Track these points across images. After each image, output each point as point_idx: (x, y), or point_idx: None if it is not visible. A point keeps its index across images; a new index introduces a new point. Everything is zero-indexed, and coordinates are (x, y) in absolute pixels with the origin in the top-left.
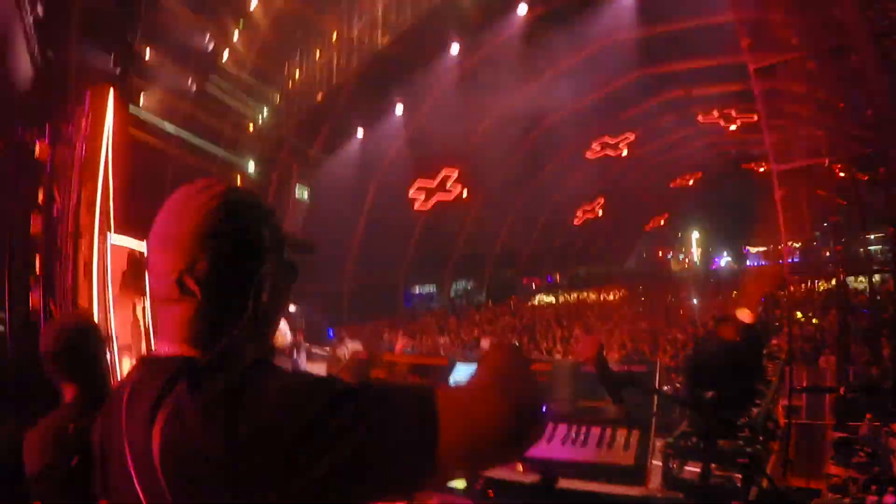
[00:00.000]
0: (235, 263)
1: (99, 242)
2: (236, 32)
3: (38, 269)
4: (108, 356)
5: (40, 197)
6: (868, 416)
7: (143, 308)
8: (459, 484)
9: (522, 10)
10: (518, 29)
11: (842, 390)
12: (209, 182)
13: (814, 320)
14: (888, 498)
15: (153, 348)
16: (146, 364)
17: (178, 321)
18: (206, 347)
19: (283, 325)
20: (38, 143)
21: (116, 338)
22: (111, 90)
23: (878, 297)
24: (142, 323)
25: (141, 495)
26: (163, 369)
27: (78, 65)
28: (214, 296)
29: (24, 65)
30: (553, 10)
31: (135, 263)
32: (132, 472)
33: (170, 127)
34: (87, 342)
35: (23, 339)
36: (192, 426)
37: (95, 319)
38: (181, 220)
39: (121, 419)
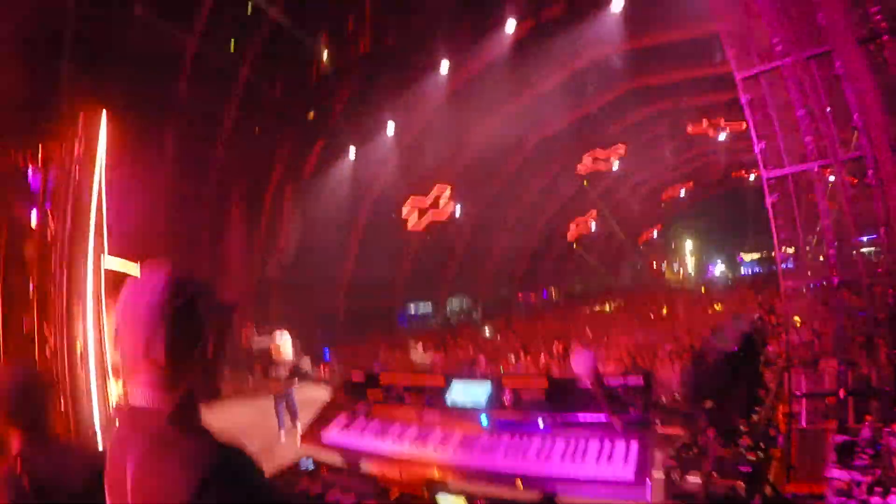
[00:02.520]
0: (186, 332)
1: (93, 266)
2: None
3: (31, 293)
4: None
5: (34, 220)
6: (868, 417)
7: None
8: (459, 502)
9: (511, 26)
10: (506, 46)
11: (841, 394)
12: (154, 266)
13: (812, 326)
14: (892, 499)
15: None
16: (127, 415)
17: (146, 381)
18: (170, 398)
19: (286, 341)
20: (31, 166)
21: (111, 360)
22: (104, 112)
23: (873, 299)
24: None
25: None
26: (140, 420)
27: (71, 88)
28: (172, 360)
29: (17, 88)
30: (540, 26)
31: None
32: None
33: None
34: (33, 395)
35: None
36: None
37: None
38: (138, 302)
39: (108, 467)
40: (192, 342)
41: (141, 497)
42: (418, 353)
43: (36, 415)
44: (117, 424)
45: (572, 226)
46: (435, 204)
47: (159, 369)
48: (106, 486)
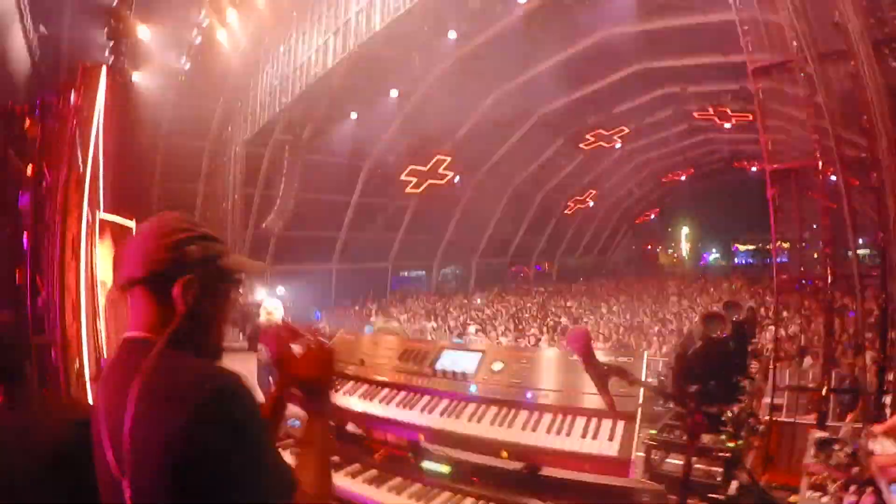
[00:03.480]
0: (167, 273)
1: (87, 219)
2: (231, 11)
3: (25, 244)
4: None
5: (29, 172)
6: (849, 416)
7: None
8: (444, 469)
9: None
10: (516, 17)
11: (824, 390)
12: (161, 217)
13: (799, 320)
14: (867, 498)
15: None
16: (122, 343)
17: (139, 314)
18: (157, 331)
19: (276, 304)
20: (28, 117)
21: (106, 312)
22: (104, 67)
23: (864, 301)
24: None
25: (112, 461)
26: (134, 348)
27: (71, 41)
28: (159, 296)
29: (16, 41)
30: (553, 1)
31: (122, 239)
32: (106, 440)
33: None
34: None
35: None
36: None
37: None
38: (134, 247)
39: (102, 393)
40: (171, 283)
41: (140, 424)
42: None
43: (15, 368)
44: (111, 358)
45: (571, 202)
46: (434, 171)
47: (150, 303)
48: (100, 421)
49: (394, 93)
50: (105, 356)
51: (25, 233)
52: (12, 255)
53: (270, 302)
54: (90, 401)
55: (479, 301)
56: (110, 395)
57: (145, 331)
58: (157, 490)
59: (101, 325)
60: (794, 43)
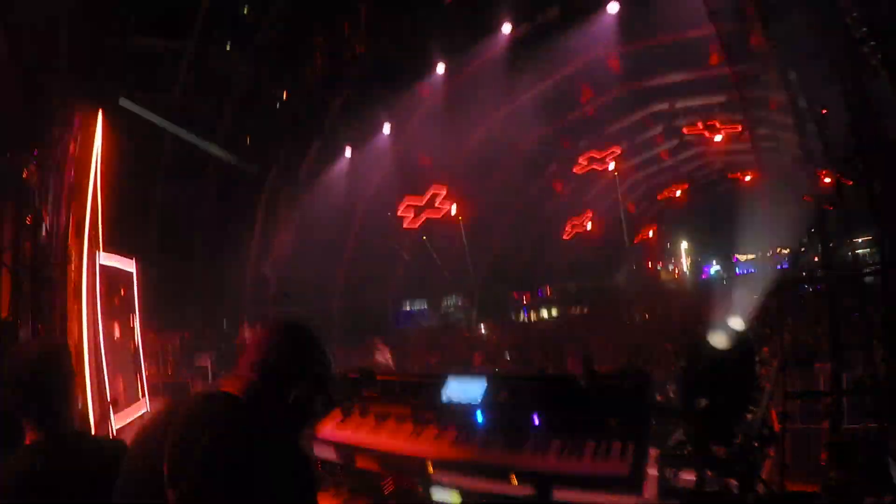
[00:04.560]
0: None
1: (87, 264)
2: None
3: (27, 294)
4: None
5: (28, 220)
6: (864, 419)
7: (133, 327)
8: (454, 498)
9: (507, 28)
10: (502, 47)
11: (836, 394)
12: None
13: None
14: (886, 499)
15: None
16: (204, 397)
17: (242, 380)
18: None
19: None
20: (25, 166)
21: (106, 356)
22: (100, 113)
23: (868, 301)
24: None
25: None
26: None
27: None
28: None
29: (11, 88)
30: (536, 28)
31: (123, 282)
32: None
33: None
34: (50, 378)
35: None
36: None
37: (65, 345)
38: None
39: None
40: (284, 376)
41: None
42: (382, 354)
43: (50, 404)
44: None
45: (568, 226)
46: (431, 204)
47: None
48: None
49: (386, 128)
50: (109, 398)
51: (25, 282)
52: (13, 304)
53: None
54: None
55: (483, 330)
56: (189, 423)
57: (238, 391)
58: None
59: (105, 369)
60: (775, 48)
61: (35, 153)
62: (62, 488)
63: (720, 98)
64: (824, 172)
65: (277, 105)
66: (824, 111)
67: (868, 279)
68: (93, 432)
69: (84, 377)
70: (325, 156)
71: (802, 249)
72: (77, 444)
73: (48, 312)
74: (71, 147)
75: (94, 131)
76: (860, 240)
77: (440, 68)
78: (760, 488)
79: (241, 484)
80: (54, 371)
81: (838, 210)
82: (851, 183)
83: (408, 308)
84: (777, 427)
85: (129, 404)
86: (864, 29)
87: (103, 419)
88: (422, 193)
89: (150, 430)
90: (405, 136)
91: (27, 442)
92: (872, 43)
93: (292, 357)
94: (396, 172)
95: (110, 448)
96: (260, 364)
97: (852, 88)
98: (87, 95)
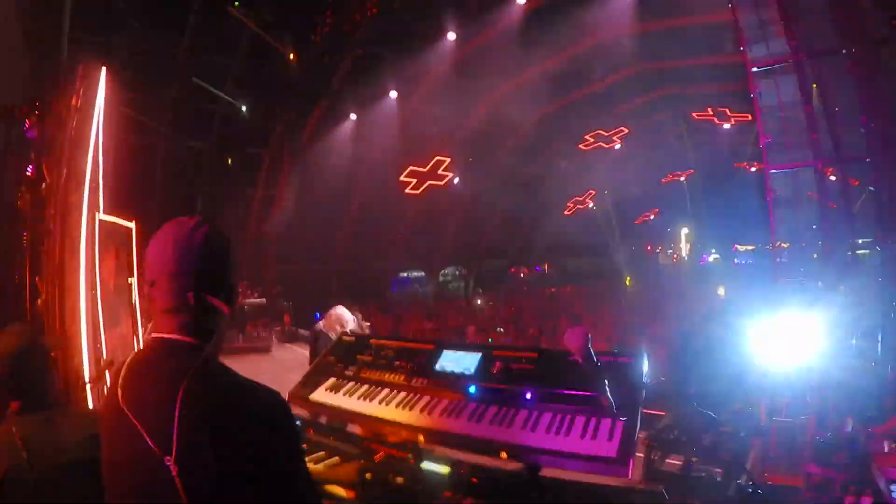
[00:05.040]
0: (221, 282)
1: (87, 220)
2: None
3: (24, 245)
4: (54, 371)
5: (29, 172)
6: (849, 418)
7: (131, 285)
8: (443, 469)
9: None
10: (516, 18)
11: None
12: (189, 220)
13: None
14: (865, 499)
15: (155, 331)
16: (158, 343)
17: (180, 319)
18: (203, 339)
19: (344, 312)
20: (27, 118)
21: (102, 313)
22: (103, 68)
23: (864, 301)
24: (132, 299)
25: (151, 443)
26: (176, 350)
27: (70, 41)
28: (207, 304)
29: (15, 41)
30: (552, 1)
31: (122, 240)
32: (143, 427)
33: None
34: (29, 365)
35: (7, 314)
36: (204, 400)
37: (60, 297)
38: (177, 251)
39: (138, 383)
40: (220, 289)
41: (189, 426)
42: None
43: (33, 382)
44: (138, 353)
45: (570, 203)
46: (434, 172)
47: (191, 309)
48: (128, 409)
49: (393, 94)
50: (104, 357)
51: (25, 234)
52: (11, 256)
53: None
54: (90, 402)
55: (479, 302)
56: (151, 386)
57: (177, 333)
58: (205, 467)
59: (101, 326)
60: (793, 42)
61: (38, 105)
62: (37, 454)
63: (732, 86)
64: (831, 171)
65: (285, 63)
66: (838, 109)
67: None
68: (88, 390)
69: (80, 335)
70: (330, 118)
71: (804, 245)
72: (54, 414)
73: (46, 266)
74: (73, 100)
75: (97, 85)
76: (861, 240)
77: (451, 36)
78: (744, 478)
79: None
80: (37, 353)
81: (842, 209)
82: (857, 183)
83: (405, 275)
84: (764, 419)
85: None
86: (886, 29)
87: (99, 377)
88: (425, 161)
89: (110, 399)
90: (411, 103)
91: (10, 419)
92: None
93: (216, 269)
94: (401, 139)
95: (89, 422)
96: (186, 288)
97: (871, 88)
98: (91, 48)
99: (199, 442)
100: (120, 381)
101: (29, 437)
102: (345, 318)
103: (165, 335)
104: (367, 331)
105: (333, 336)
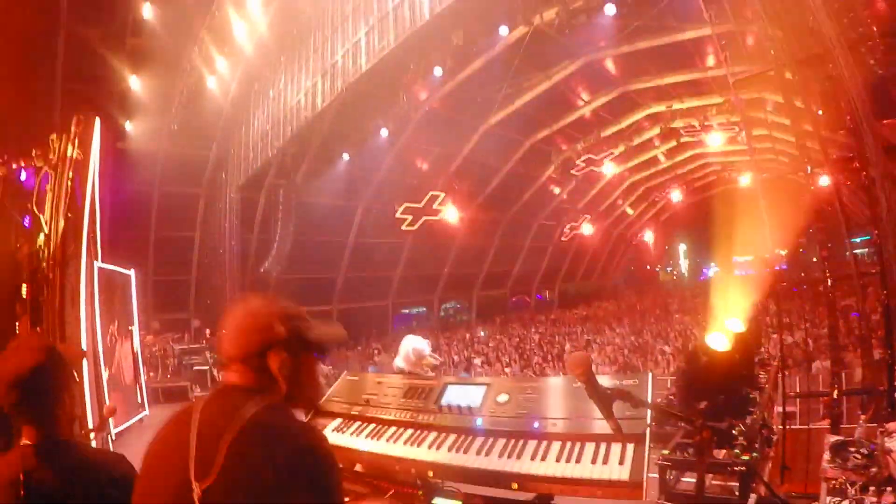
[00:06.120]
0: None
1: (86, 269)
2: (221, 59)
3: (25, 296)
4: (77, 389)
5: (27, 224)
6: (862, 417)
7: (131, 332)
8: (454, 503)
9: (504, 31)
10: (499, 50)
11: (835, 394)
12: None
13: (804, 326)
14: (886, 498)
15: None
16: (221, 391)
17: (236, 373)
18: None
19: (426, 347)
20: (24, 170)
21: (104, 361)
22: (97, 119)
23: (866, 301)
24: (134, 346)
25: (193, 464)
26: (235, 391)
27: (64, 94)
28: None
29: (11, 94)
30: (533, 31)
31: (121, 288)
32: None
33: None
34: (48, 380)
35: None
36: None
37: (61, 349)
38: (247, 325)
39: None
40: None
41: (240, 444)
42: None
43: (49, 407)
44: (206, 397)
45: (566, 229)
46: (429, 207)
47: (243, 367)
48: (189, 431)
49: (384, 132)
50: (108, 403)
51: (24, 284)
52: (11, 306)
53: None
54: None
55: (482, 333)
56: (212, 417)
57: (241, 382)
58: (235, 495)
59: (104, 376)
60: (772, 51)
61: (34, 158)
62: (48, 493)
63: (717, 99)
64: (821, 172)
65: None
66: (820, 112)
67: (865, 278)
68: (92, 437)
69: (82, 383)
70: (323, 159)
71: (801, 250)
72: (71, 450)
73: (46, 316)
74: (69, 152)
75: (91, 137)
76: (858, 239)
77: (437, 71)
78: (762, 490)
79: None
80: (51, 373)
81: (835, 210)
82: (849, 182)
83: (407, 311)
84: (777, 428)
85: (128, 409)
86: (861, 28)
87: (102, 425)
88: (420, 196)
89: (166, 434)
90: (403, 140)
91: (20, 444)
92: (869, 43)
93: (255, 334)
94: (394, 176)
95: (107, 460)
96: (235, 354)
97: (852, 88)
98: (84, 101)
99: (238, 474)
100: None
101: (33, 474)
102: (423, 350)
103: (230, 380)
104: (438, 360)
105: (420, 370)
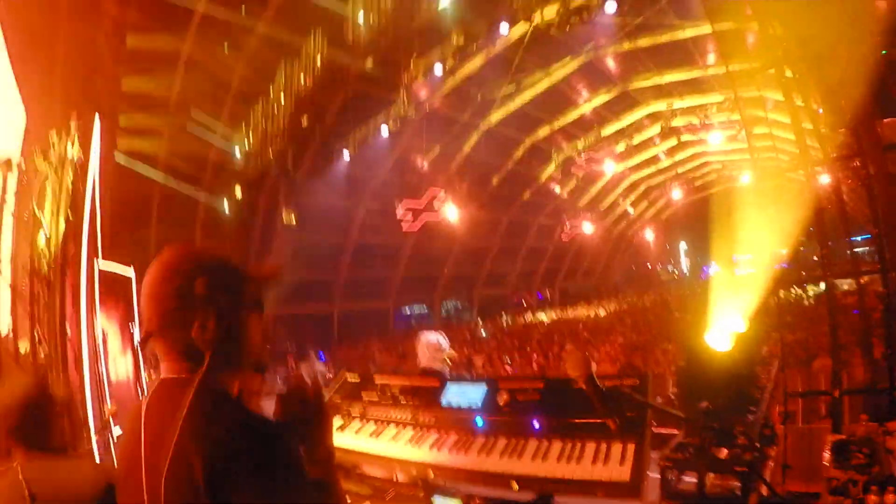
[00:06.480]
0: (176, 311)
1: (86, 269)
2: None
3: (27, 296)
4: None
5: (27, 224)
6: (864, 416)
7: (132, 334)
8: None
9: (504, 29)
10: (500, 48)
11: (836, 393)
12: (161, 261)
13: (805, 325)
14: (889, 497)
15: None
16: (158, 387)
17: (169, 357)
18: (190, 370)
19: (443, 340)
20: (23, 169)
21: (105, 360)
22: (97, 116)
23: (867, 299)
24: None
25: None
26: (169, 391)
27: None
28: (181, 340)
29: (10, 92)
30: (534, 29)
31: (122, 289)
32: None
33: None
34: (37, 413)
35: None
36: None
37: (60, 346)
38: (146, 300)
39: (146, 431)
40: (183, 318)
41: (177, 461)
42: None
43: (39, 431)
44: (146, 398)
45: (567, 227)
46: (429, 206)
47: (174, 342)
48: (139, 457)
49: (384, 130)
50: (109, 407)
51: (28, 285)
52: (13, 309)
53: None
54: (96, 453)
55: (483, 333)
56: (153, 434)
57: (179, 372)
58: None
59: (104, 377)
60: (772, 49)
61: (34, 155)
62: (43, 498)
63: (718, 97)
64: (822, 171)
65: (275, 105)
66: (822, 111)
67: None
68: (94, 439)
69: (84, 385)
70: (323, 158)
71: (802, 249)
72: (61, 459)
73: (47, 317)
74: (69, 150)
75: (91, 134)
76: (859, 238)
77: (437, 69)
78: (763, 489)
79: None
80: (43, 401)
81: (836, 209)
82: (850, 181)
83: (408, 311)
84: (778, 427)
85: (128, 410)
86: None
87: (104, 427)
88: (420, 195)
89: (123, 447)
90: (403, 139)
91: (12, 460)
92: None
93: (172, 298)
94: (395, 175)
95: (94, 472)
96: (151, 329)
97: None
98: (84, 99)
99: (182, 494)
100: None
101: (35, 481)
102: (440, 344)
103: (164, 376)
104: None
105: (438, 365)
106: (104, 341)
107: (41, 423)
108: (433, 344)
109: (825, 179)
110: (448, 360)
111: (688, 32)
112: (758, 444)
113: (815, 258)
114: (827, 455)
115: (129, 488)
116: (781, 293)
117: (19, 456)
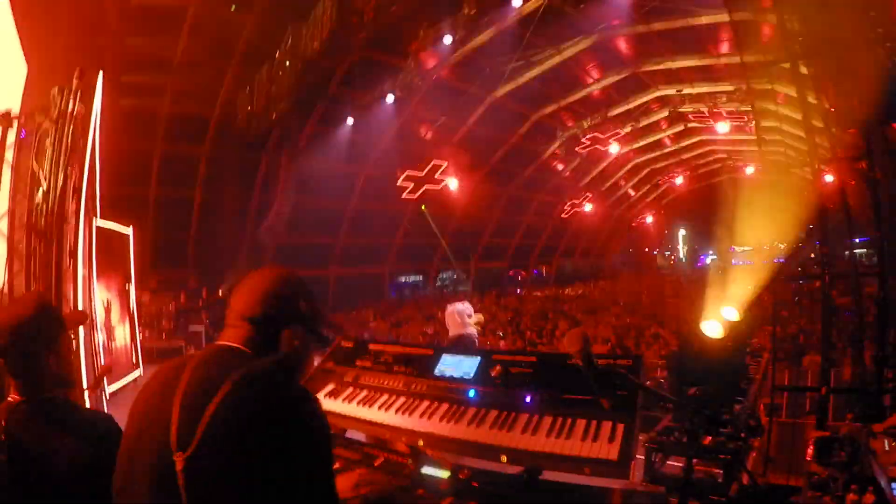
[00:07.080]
0: (281, 311)
1: (84, 226)
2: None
3: (23, 252)
4: (66, 349)
5: (26, 179)
6: (849, 416)
7: (128, 291)
8: (444, 473)
9: (517, 2)
10: (511, 21)
11: (823, 390)
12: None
13: (799, 322)
14: (868, 497)
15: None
16: (217, 348)
17: (240, 332)
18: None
19: (461, 305)
20: (23, 124)
21: (97, 318)
22: (100, 73)
23: (862, 300)
24: (130, 305)
25: (173, 436)
26: (228, 353)
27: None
28: (266, 333)
29: (13, 46)
30: (547, 5)
31: (119, 247)
32: (175, 415)
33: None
34: (34, 335)
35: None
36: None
37: (55, 303)
38: (272, 289)
39: (189, 376)
40: (285, 322)
41: (225, 409)
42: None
43: (32, 363)
44: (195, 355)
45: (567, 206)
46: (430, 176)
47: (259, 329)
48: (169, 401)
49: (390, 98)
50: (102, 362)
51: (24, 240)
52: (9, 262)
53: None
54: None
55: (477, 305)
56: (199, 380)
57: (241, 344)
58: (218, 464)
59: (99, 334)
60: (788, 43)
61: (35, 110)
62: (32, 451)
63: (728, 87)
64: (827, 169)
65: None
66: (832, 109)
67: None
68: (86, 397)
69: (77, 343)
70: (327, 122)
71: (801, 245)
72: (56, 408)
73: (43, 273)
74: (70, 106)
75: (94, 91)
76: (858, 239)
77: (447, 39)
78: (745, 478)
79: (257, 437)
80: (39, 329)
81: (838, 208)
82: (854, 183)
83: (403, 280)
84: (764, 419)
85: (122, 368)
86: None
87: (96, 384)
88: (422, 165)
89: (151, 393)
90: (408, 107)
91: (7, 400)
92: (889, 44)
93: (282, 302)
94: (398, 143)
95: (92, 419)
96: (252, 313)
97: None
98: (88, 55)
99: (221, 442)
100: (186, 376)
101: (15, 430)
102: (468, 311)
103: (223, 342)
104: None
105: (470, 330)
106: (106, 305)
107: (39, 352)
108: (464, 311)
109: (830, 178)
110: (479, 325)
111: (703, 19)
112: (743, 434)
113: (812, 256)
114: (810, 450)
115: (147, 432)
116: (776, 287)
117: (12, 390)
